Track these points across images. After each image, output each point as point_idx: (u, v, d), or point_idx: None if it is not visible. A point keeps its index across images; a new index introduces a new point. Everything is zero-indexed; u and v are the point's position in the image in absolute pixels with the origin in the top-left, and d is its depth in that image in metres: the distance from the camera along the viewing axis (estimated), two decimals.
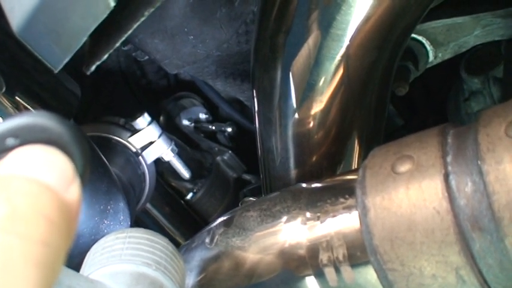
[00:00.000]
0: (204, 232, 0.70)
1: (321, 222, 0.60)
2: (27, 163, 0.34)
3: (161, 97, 1.28)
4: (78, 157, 0.36)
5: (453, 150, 0.53)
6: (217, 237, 0.67)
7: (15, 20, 0.53)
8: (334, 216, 0.60)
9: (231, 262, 0.65)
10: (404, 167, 0.55)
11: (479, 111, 0.55)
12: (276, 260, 0.63)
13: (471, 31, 0.90)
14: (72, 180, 0.35)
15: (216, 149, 1.26)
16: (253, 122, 1.17)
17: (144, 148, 1.03)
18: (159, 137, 1.04)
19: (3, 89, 0.67)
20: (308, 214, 0.62)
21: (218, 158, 1.26)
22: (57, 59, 0.55)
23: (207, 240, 0.68)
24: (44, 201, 0.33)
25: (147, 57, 1.13)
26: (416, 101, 1.21)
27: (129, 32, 0.53)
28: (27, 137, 0.35)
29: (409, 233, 0.53)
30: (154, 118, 1.07)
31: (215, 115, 1.29)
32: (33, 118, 0.35)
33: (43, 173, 0.34)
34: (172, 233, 1.18)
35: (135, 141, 1.02)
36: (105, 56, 0.56)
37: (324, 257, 0.59)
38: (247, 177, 1.28)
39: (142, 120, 1.03)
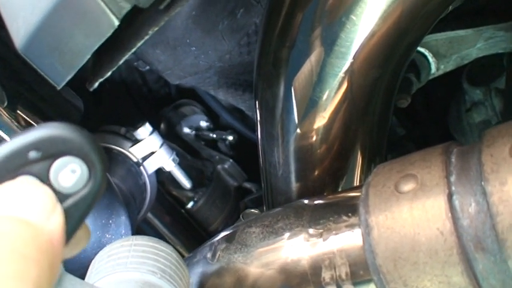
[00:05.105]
0: (205, 247, 0.70)
1: (324, 240, 0.60)
2: (3, 201, 0.35)
3: (162, 105, 1.27)
4: (98, 167, 0.37)
5: (457, 170, 0.53)
6: (219, 252, 0.67)
7: (19, 37, 0.53)
8: (336, 234, 0.60)
9: (233, 278, 0.65)
10: (408, 186, 0.55)
11: (483, 131, 0.55)
12: (278, 276, 0.63)
13: (474, 44, 0.90)
14: (52, 209, 0.36)
15: (217, 157, 1.25)
16: (254, 130, 1.17)
17: (145, 158, 1.03)
18: (160, 147, 1.03)
19: (5, 103, 0.66)
20: (311, 231, 0.62)
21: (219, 166, 1.25)
22: (60, 76, 0.55)
23: (209, 255, 0.68)
24: (19, 238, 0.33)
25: (148, 67, 1.13)
26: (417, 111, 1.21)
27: (133, 50, 0.53)
28: (48, 149, 0.36)
29: (413, 253, 0.53)
30: (155, 126, 1.07)
31: (216, 123, 1.29)
32: (53, 130, 0.36)
33: (20, 209, 0.34)
34: (172, 242, 1.18)
35: (136, 151, 1.02)
36: (109, 74, 0.56)
37: (326, 275, 0.59)
38: (248, 185, 1.28)
39: (144, 130, 1.02)
